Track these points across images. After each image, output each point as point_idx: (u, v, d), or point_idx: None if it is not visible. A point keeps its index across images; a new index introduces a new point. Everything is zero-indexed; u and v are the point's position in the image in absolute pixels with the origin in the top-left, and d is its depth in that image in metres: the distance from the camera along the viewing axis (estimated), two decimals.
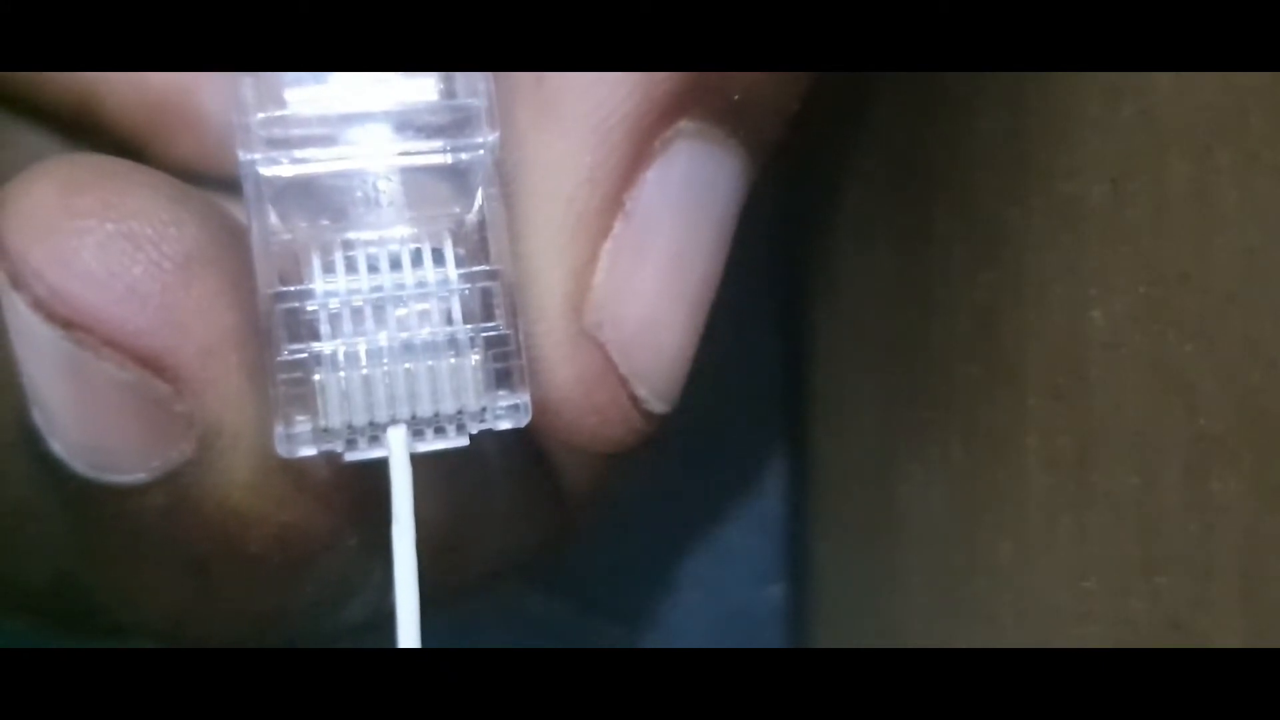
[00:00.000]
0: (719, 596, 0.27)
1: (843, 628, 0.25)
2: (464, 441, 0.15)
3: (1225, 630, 0.14)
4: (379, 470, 0.15)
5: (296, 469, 0.16)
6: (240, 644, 0.18)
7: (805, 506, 0.26)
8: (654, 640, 0.27)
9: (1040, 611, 0.17)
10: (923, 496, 0.20)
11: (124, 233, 0.15)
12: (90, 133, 0.18)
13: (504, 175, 0.15)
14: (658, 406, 0.16)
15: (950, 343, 0.19)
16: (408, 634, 0.14)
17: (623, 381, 0.16)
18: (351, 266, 0.15)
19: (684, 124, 0.16)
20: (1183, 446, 0.14)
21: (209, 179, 0.17)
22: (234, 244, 0.15)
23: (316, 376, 0.14)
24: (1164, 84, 0.14)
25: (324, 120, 0.15)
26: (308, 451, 0.15)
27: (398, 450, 0.15)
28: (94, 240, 0.15)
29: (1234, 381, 0.13)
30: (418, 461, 0.15)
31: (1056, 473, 0.17)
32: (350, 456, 0.15)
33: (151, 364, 0.15)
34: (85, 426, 0.15)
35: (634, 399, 0.16)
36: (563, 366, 0.16)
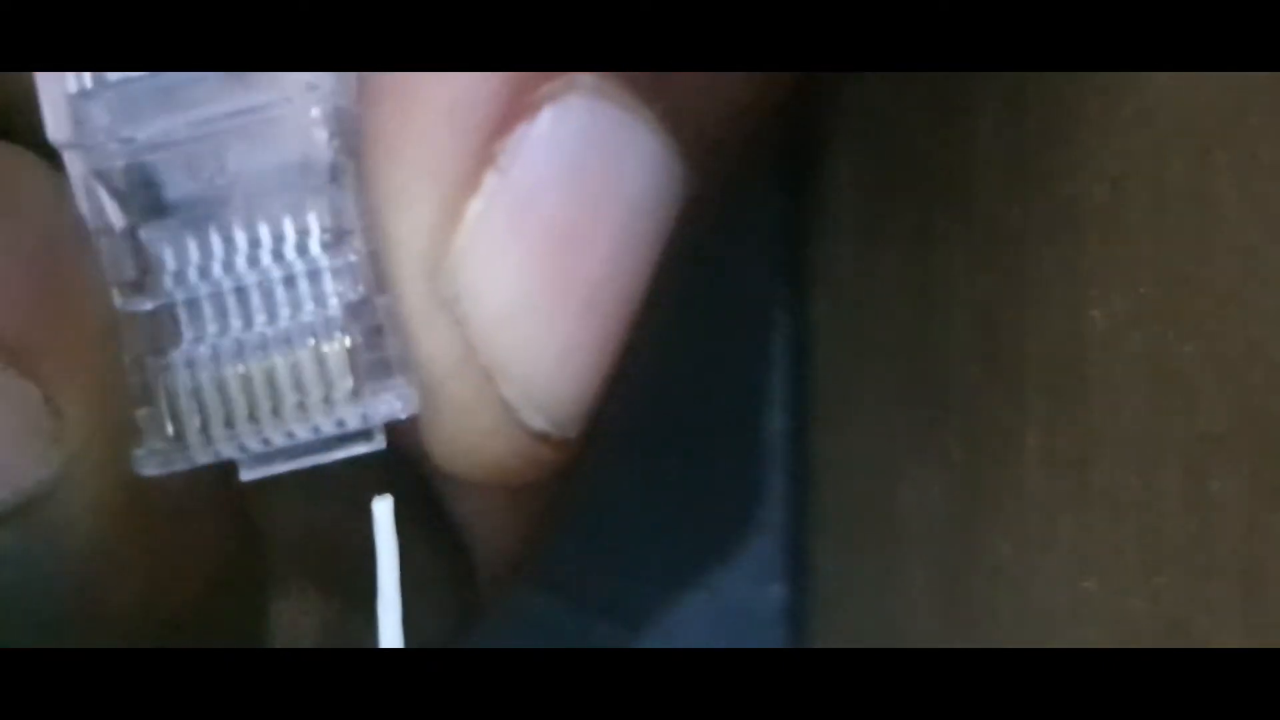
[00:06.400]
0: (719, 596, 0.27)
1: (843, 628, 0.25)
2: (322, 458, 0.13)
3: (1225, 630, 0.14)
4: (266, 492, 0.13)
5: (172, 493, 0.13)
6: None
7: (805, 506, 0.26)
8: (654, 640, 0.27)
9: (1040, 611, 0.17)
10: (923, 496, 0.20)
11: None
12: None
13: (359, 124, 0.13)
14: (534, 419, 0.13)
15: (950, 343, 0.19)
16: (390, 634, 0.14)
17: (486, 373, 0.13)
18: (203, 254, 0.13)
19: (581, 74, 0.13)
20: (1183, 446, 0.14)
21: None
22: None
23: (170, 383, 0.13)
24: (1164, 84, 0.14)
25: (150, 93, 0.13)
26: (170, 469, 0.13)
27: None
28: None
29: (1234, 381, 0.13)
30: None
31: (1056, 473, 0.17)
32: (247, 475, 0.13)
33: (11, 356, 0.13)
34: None
35: (503, 401, 0.13)
36: (418, 344, 0.13)
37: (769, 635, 0.26)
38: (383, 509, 0.13)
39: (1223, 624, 0.14)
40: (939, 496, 0.20)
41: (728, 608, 0.27)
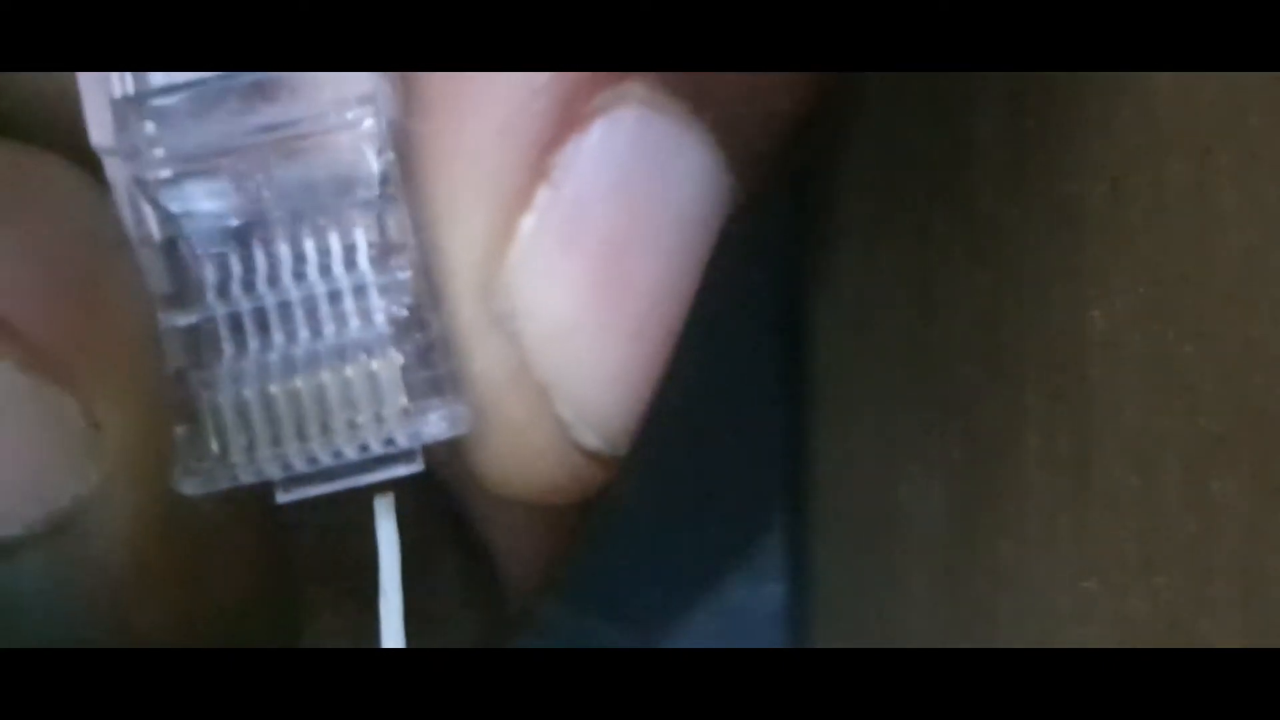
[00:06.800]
0: (719, 596, 0.27)
1: (843, 628, 0.25)
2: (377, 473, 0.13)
3: (1225, 630, 0.14)
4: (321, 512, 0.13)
5: (208, 510, 0.13)
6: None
7: (805, 506, 0.26)
8: (654, 640, 0.27)
9: (1040, 611, 0.17)
10: (923, 496, 0.20)
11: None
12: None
13: (410, 138, 0.13)
14: (586, 437, 0.13)
15: (950, 343, 0.19)
16: (391, 633, 0.13)
17: (540, 391, 0.13)
18: (248, 268, 0.13)
19: (631, 86, 0.13)
20: (1183, 446, 0.14)
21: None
22: None
23: (215, 399, 0.12)
24: (1164, 84, 0.14)
25: (196, 100, 0.13)
26: (213, 488, 0.13)
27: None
28: None
29: (1234, 381, 0.13)
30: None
31: (1056, 473, 0.17)
32: (284, 498, 0.13)
33: (50, 366, 0.13)
34: None
35: (557, 419, 0.13)
36: (471, 361, 0.13)
37: (769, 635, 0.26)
38: (384, 505, 0.13)
39: (1223, 624, 0.14)
40: (939, 496, 0.20)
41: (728, 608, 0.27)
